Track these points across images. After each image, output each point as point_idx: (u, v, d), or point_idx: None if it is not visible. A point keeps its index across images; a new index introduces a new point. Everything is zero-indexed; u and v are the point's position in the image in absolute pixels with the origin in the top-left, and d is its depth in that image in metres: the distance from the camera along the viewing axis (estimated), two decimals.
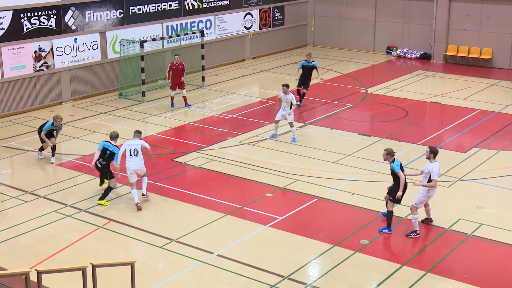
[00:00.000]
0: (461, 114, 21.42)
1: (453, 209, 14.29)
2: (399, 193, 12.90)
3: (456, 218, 13.83)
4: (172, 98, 22.05)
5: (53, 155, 17.05)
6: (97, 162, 14.42)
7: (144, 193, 14.62)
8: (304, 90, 22.06)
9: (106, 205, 14.42)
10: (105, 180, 15.23)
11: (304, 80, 22.01)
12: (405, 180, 12.85)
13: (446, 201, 14.68)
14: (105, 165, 14.46)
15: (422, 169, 13.16)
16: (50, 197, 14.85)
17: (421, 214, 13.64)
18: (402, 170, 12.97)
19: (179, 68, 21.63)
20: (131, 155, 14.25)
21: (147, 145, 14.46)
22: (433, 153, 12.98)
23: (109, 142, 14.42)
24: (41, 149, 17.23)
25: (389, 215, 13.09)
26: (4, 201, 14.65)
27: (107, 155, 14.34)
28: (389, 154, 13.01)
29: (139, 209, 14.15)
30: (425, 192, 12.99)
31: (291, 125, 18.59)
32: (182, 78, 21.73)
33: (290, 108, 18.42)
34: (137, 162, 14.26)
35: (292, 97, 18.41)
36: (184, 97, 22.12)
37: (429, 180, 12.86)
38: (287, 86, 18.41)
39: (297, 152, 17.83)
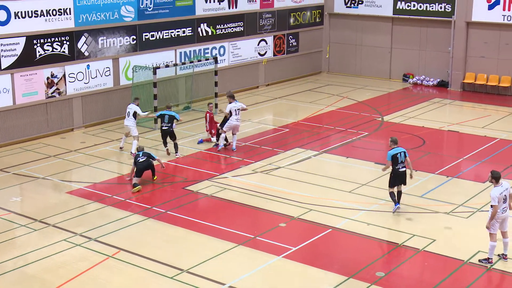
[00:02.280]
0: (480, 143, 21.30)
1: (472, 240, 14.12)
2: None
3: (475, 250, 13.67)
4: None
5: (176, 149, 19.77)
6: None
7: (132, 151, 19.46)
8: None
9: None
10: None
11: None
12: (393, 169, 15.34)
13: (464, 232, 14.53)
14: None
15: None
16: (60, 226, 14.85)
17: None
18: (395, 161, 15.28)
19: (212, 116, 21.17)
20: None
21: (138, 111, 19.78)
22: (494, 178, 12.85)
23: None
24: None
25: (390, 195, 15.61)
26: (13, 229, 14.66)
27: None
28: (392, 142, 15.59)
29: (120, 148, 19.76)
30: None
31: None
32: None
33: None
34: (127, 120, 19.86)
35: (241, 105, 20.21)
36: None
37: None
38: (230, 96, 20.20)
39: (312, 181, 17.80)
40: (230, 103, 20.44)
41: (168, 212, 15.66)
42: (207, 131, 21.39)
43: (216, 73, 25.26)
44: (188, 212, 15.63)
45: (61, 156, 20.11)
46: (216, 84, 25.30)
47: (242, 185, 17.51)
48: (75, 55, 22.56)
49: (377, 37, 31.98)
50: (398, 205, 15.55)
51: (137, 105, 20.16)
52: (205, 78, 26.43)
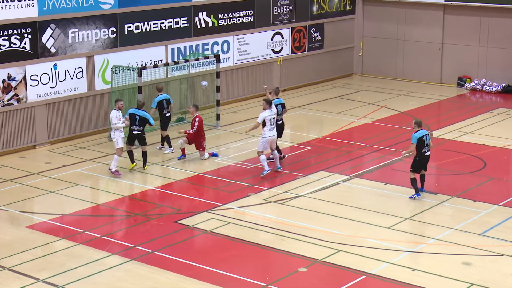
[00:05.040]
0: None
1: None
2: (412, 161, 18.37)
3: None
4: (183, 150, 21.72)
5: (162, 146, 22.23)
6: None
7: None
8: None
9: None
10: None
11: None
12: (418, 153, 18.18)
13: None
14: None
15: None
16: (18, 269, 14.76)
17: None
18: (421, 144, 18.12)
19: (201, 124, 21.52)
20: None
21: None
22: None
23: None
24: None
25: (411, 182, 18.40)
26: None
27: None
28: (416, 124, 18.30)
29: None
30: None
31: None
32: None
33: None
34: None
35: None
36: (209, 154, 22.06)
37: None
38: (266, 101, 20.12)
39: (339, 213, 17.78)
40: (264, 110, 20.16)
41: (155, 252, 15.59)
42: (187, 137, 21.38)
43: (218, 75, 25.24)
44: (182, 253, 15.54)
45: (20, 180, 20.11)
46: (218, 89, 25.26)
47: (250, 218, 17.46)
48: (38, 52, 22.60)
49: (424, 29, 32.02)
50: (419, 195, 18.43)
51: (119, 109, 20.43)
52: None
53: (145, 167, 20.74)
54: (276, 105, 20.79)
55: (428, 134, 18.53)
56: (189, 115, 23.16)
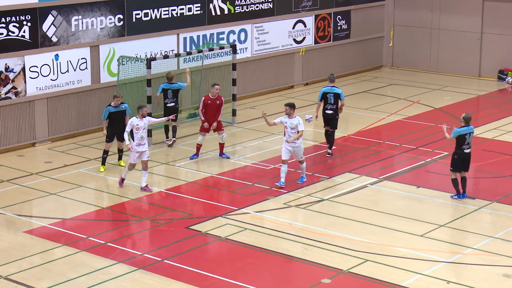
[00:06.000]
0: None
1: None
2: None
3: None
4: (198, 147, 21.83)
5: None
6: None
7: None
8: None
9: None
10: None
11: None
12: (457, 150, 18.47)
13: None
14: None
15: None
16: (14, 278, 14.73)
17: None
18: (462, 141, 18.33)
19: (215, 104, 21.64)
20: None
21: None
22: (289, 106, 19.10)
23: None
24: (104, 154, 20.81)
25: (452, 182, 18.61)
26: None
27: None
28: (464, 119, 18.44)
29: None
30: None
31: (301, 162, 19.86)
32: (219, 117, 21.81)
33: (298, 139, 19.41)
34: None
35: (299, 121, 19.28)
36: (222, 145, 22.00)
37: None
38: (290, 106, 19.42)
39: (367, 219, 17.77)
40: (288, 115, 19.49)
41: (165, 261, 15.58)
42: (203, 122, 21.61)
43: (234, 67, 25.36)
44: (194, 262, 15.52)
45: (18, 181, 20.17)
46: (234, 82, 25.39)
47: (269, 224, 17.46)
48: (38, 41, 22.66)
49: (461, 18, 31.94)
50: (461, 197, 18.58)
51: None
52: (218, 74, 26.46)
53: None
54: (326, 94, 21.75)
55: (473, 133, 18.71)
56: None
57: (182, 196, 19.27)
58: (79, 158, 21.88)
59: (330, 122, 21.98)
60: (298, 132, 19.27)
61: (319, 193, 19.40)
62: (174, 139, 22.81)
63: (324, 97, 22.02)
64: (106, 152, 20.70)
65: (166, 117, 21.32)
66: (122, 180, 19.60)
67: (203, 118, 21.50)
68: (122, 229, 17.54)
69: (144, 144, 19.35)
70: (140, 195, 19.24)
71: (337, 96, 21.96)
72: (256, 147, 23.01)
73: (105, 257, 15.73)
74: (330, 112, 21.97)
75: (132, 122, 19.28)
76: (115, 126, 20.51)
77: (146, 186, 19.40)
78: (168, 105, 22.75)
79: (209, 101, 21.53)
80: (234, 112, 25.16)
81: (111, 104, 20.55)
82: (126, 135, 19.54)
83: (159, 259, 15.65)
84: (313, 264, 15.51)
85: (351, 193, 19.44)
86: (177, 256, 15.83)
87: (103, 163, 20.74)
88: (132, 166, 19.46)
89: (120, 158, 21.10)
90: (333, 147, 22.29)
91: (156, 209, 18.46)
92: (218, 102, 21.62)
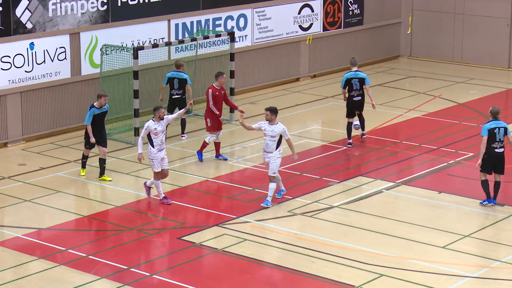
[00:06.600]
0: None
1: None
2: (478, 161, 18.28)
3: None
4: (217, 145, 21.63)
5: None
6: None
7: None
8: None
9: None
10: None
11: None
12: (486, 148, 18.12)
13: None
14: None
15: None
16: None
17: None
18: (492, 138, 18.00)
19: (221, 94, 21.82)
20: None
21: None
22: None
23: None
24: (83, 159, 20.35)
25: (481, 185, 18.49)
26: None
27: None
28: (491, 113, 18.31)
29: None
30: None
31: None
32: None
33: (276, 149, 18.49)
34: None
35: (283, 129, 18.43)
36: (218, 144, 21.82)
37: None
38: (271, 110, 18.60)
39: (382, 228, 17.70)
40: (269, 121, 18.86)
41: (154, 276, 15.47)
42: (219, 116, 21.65)
43: (232, 57, 25.20)
44: (186, 277, 15.43)
45: None
46: (232, 74, 25.18)
47: (272, 234, 17.37)
48: (11, 28, 22.51)
49: (488, 1, 31.93)
50: (491, 202, 18.39)
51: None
52: (215, 65, 26.00)
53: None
54: (350, 80, 22.36)
55: (504, 127, 18.26)
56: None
57: (173, 202, 19.03)
58: (57, 160, 21.82)
59: (359, 108, 22.78)
60: (287, 141, 18.66)
61: (328, 199, 19.30)
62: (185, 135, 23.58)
63: (348, 83, 22.58)
64: (85, 157, 20.42)
65: (182, 110, 20.50)
66: (149, 188, 19.04)
67: (218, 112, 21.55)
68: (105, 240, 17.44)
69: (164, 149, 18.80)
70: (125, 202, 19.11)
71: (362, 81, 22.65)
72: (257, 147, 22.62)
73: (86, 272, 15.62)
74: (358, 98, 22.59)
75: (149, 126, 18.58)
76: (98, 129, 20.03)
77: (165, 197, 18.82)
78: (173, 96, 23.18)
79: (217, 93, 21.65)
80: (232, 110, 24.65)
81: (95, 104, 19.99)
82: (139, 143, 18.71)
83: (148, 274, 15.58)
84: (322, 280, 15.40)
85: (364, 199, 19.35)
86: (167, 270, 15.87)
87: (83, 167, 20.41)
88: (159, 176, 18.66)
89: (103, 173, 20.27)
90: (364, 134, 23.19)
91: (144, 218, 18.42)
92: (223, 92, 21.88)
